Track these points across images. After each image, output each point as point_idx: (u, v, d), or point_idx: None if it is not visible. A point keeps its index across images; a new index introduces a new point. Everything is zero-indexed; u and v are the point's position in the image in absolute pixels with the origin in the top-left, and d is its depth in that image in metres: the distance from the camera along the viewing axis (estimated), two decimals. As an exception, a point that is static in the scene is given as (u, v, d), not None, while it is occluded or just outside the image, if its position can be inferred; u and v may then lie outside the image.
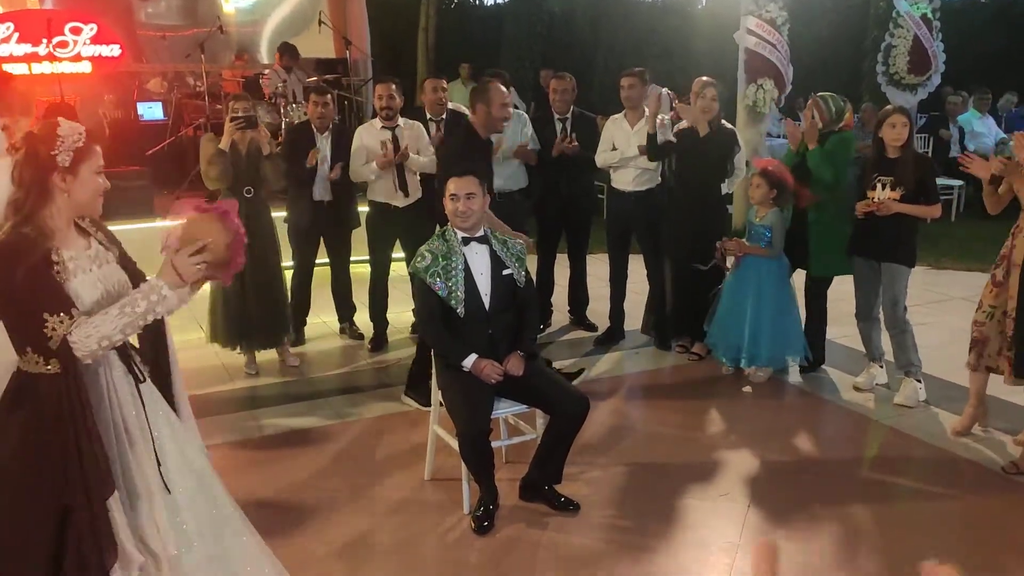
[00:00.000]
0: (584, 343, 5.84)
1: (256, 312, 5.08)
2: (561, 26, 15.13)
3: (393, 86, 5.47)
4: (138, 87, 10.68)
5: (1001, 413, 4.31)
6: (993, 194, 3.97)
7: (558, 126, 5.75)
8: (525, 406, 3.55)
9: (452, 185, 3.53)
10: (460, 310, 3.47)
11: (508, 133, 5.60)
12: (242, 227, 2.34)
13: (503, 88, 4.82)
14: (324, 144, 5.50)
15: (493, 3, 16.60)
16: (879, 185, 4.43)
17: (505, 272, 3.55)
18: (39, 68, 9.39)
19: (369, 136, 5.48)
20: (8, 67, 9.29)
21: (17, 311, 2.11)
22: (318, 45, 10.61)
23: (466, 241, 3.56)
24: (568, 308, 6.23)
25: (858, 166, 4.95)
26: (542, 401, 3.48)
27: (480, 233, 3.59)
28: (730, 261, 5.12)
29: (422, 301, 3.57)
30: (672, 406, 4.70)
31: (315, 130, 5.52)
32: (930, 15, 10.44)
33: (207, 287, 5.05)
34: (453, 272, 3.49)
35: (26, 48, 9.39)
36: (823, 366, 5.15)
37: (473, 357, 3.41)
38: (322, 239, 5.74)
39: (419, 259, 3.53)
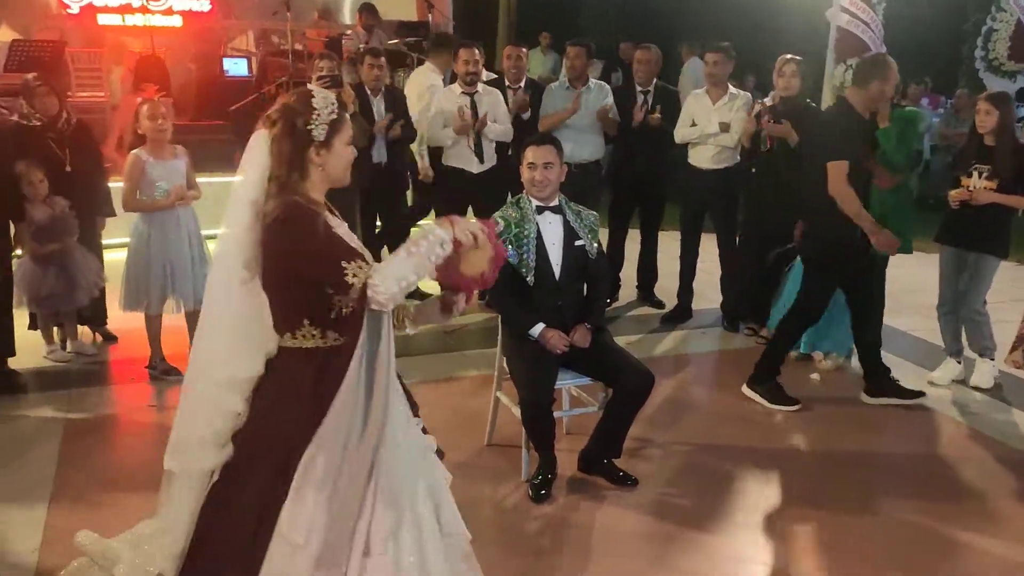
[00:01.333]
0: (651, 320, 5.79)
1: None
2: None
3: (476, 51, 5.47)
4: (225, 43, 10.90)
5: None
6: None
7: (639, 98, 5.67)
8: (588, 378, 3.54)
9: (530, 153, 3.51)
10: (530, 279, 3.47)
11: (590, 102, 5.55)
12: (505, 253, 2.34)
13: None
14: (378, 105, 5.54)
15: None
16: (975, 173, 4.26)
17: (577, 243, 3.53)
18: (132, 20, 9.65)
19: (448, 100, 5.50)
20: (103, 18, 9.66)
21: (318, 266, 2.07)
22: (401, 7, 10.64)
23: (540, 210, 3.55)
24: (636, 284, 6.18)
25: (949, 153, 4.79)
26: (606, 374, 3.47)
27: (555, 203, 3.58)
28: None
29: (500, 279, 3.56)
30: (736, 388, 4.63)
31: (368, 92, 5.54)
32: (1038, -2, 9.90)
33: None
34: (525, 240, 3.49)
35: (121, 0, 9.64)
36: (885, 353, 5.00)
37: (540, 326, 3.42)
38: (378, 200, 5.75)
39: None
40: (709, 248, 5.70)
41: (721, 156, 5.38)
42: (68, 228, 4.57)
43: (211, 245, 6.22)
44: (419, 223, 6.35)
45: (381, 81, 5.62)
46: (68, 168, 4.65)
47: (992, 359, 4.58)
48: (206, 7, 10.07)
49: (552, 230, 3.54)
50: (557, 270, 3.51)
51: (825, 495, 3.54)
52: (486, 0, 14.01)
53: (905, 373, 4.77)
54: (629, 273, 6.16)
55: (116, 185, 4.77)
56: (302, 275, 2.09)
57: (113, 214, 5.00)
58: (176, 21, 10.01)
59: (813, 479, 3.68)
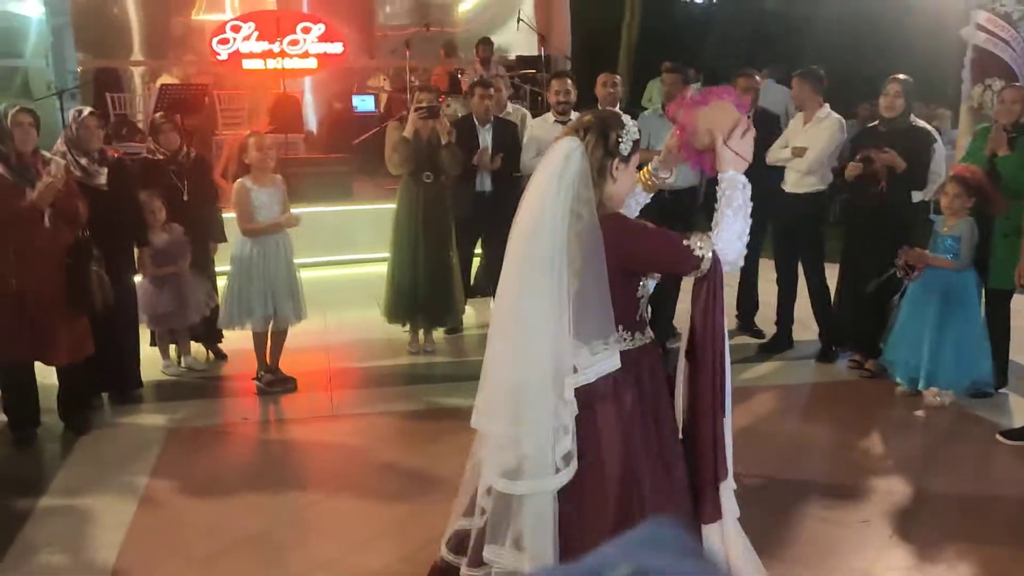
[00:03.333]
0: (748, 349, 5.61)
1: (425, 293, 5.33)
2: (773, 23, 14.49)
3: (569, 81, 5.55)
4: (359, 82, 11.56)
5: None
6: None
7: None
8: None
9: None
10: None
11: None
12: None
13: None
14: (485, 136, 5.69)
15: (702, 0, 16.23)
16: None
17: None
18: (273, 63, 10.40)
19: (541, 129, 5.60)
20: (247, 63, 10.47)
21: (663, 250, 2.22)
22: (520, 42, 10.93)
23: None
24: (736, 313, 5.99)
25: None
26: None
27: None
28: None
29: None
30: (828, 422, 4.41)
31: (477, 122, 5.71)
32: None
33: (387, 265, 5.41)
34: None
35: (263, 45, 10.43)
36: (1004, 390, 4.61)
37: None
38: (483, 231, 5.91)
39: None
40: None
41: (806, 181, 5.19)
42: (183, 252, 4.98)
43: (321, 271, 6.75)
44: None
45: (491, 112, 5.79)
46: (185, 197, 5.07)
47: None
48: (339, 49, 10.72)
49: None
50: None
51: (906, 538, 3.30)
52: (607, 33, 14.09)
53: (1013, 407, 4.39)
54: (729, 302, 5.97)
55: (228, 216, 5.14)
56: (642, 266, 2.25)
57: (224, 239, 5.39)
58: (311, 63, 10.72)
59: (894, 520, 3.44)
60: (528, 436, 2.13)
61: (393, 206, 5.49)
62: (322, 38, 10.67)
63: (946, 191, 4.59)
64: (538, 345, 2.14)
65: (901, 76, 4.82)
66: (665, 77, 5.64)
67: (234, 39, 10.37)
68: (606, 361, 2.17)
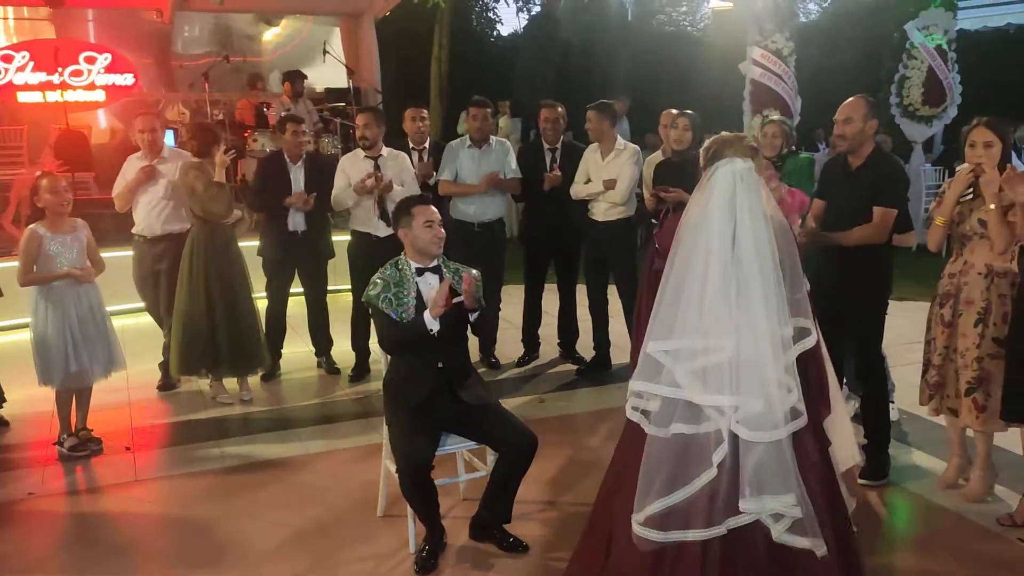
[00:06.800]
0: (569, 375, 5.73)
1: (225, 340, 5.05)
2: (576, 56, 15.18)
3: (371, 116, 5.45)
4: (157, 115, 10.84)
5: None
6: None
7: (547, 156, 5.69)
8: (474, 442, 3.44)
9: (426, 213, 3.48)
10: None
11: (491, 162, 5.56)
12: None
13: None
14: (298, 174, 5.48)
15: (510, 32, 16.70)
16: None
17: (456, 300, 3.45)
18: (53, 96, 9.57)
19: (352, 165, 5.47)
20: (23, 95, 9.58)
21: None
22: (329, 74, 10.72)
23: (420, 272, 3.50)
24: (558, 341, 6.11)
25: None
26: (488, 437, 3.38)
27: (435, 263, 3.53)
28: None
29: (382, 325, 3.48)
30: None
31: (287, 160, 5.50)
32: (945, 46, 10.28)
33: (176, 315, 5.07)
34: (404, 300, 3.42)
35: (41, 76, 9.59)
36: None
37: (426, 313, 3.35)
38: (297, 270, 5.69)
39: (371, 287, 3.47)
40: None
41: (615, 209, 5.41)
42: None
43: (121, 320, 6.19)
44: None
45: (302, 148, 5.56)
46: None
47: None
48: (129, 81, 10.05)
49: (432, 291, 3.47)
50: (437, 330, 3.43)
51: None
52: (418, 65, 14.19)
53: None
54: (549, 332, 6.10)
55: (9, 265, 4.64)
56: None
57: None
58: (99, 96, 9.97)
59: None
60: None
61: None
62: (109, 68, 9.98)
63: None
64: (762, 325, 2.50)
65: (688, 111, 5.14)
66: (472, 111, 5.67)
67: (6, 70, 9.46)
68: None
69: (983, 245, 3.63)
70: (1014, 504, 3.62)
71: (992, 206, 3.50)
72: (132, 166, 5.34)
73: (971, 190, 3.65)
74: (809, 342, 2.59)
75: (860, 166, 3.92)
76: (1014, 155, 10.57)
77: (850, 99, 3.94)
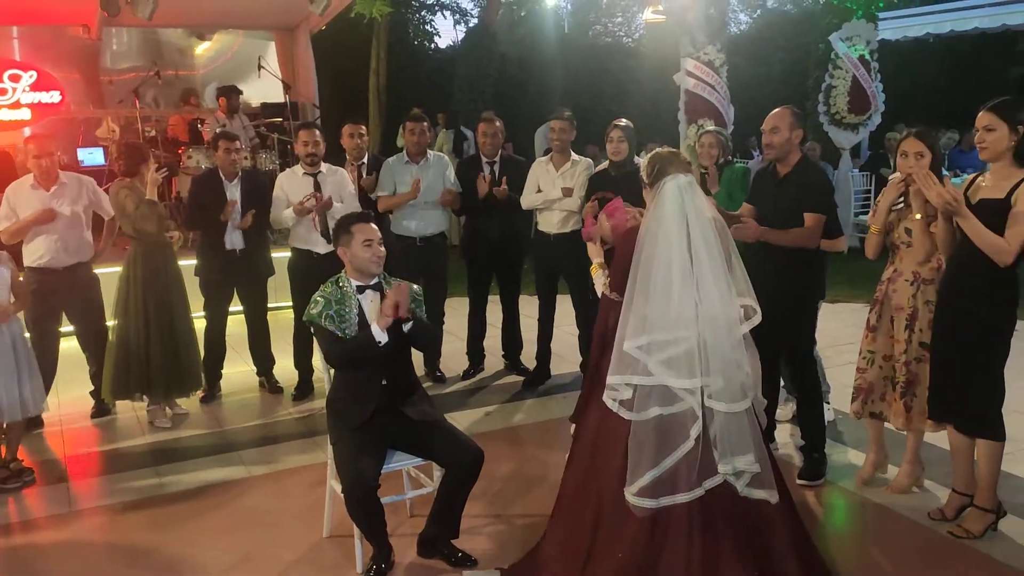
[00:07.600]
0: (515, 387, 5.75)
1: (159, 361, 4.95)
2: (514, 67, 15.27)
3: (317, 132, 5.41)
4: (83, 133, 10.56)
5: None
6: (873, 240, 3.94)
7: (486, 169, 5.71)
8: (420, 458, 3.43)
9: (366, 231, 3.47)
10: (353, 359, 3.39)
11: (430, 177, 5.57)
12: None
13: None
14: (234, 191, 5.40)
15: (447, 45, 16.74)
16: None
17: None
18: (-24, 115, 9.24)
19: (290, 183, 5.41)
20: (-57, 115, 9.21)
21: None
22: (265, 89, 10.57)
23: (361, 289, 3.49)
24: (502, 353, 6.13)
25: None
26: (434, 453, 3.38)
27: (375, 281, 3.52)
28: None
29: (327, 342, 3.45)
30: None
31: (223, 177, 5.41)
32: (867, 56, 10.64)
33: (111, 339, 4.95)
34: (346, 318, 3.41)
35: (-38, 95, 9.25)
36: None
37: (373, 324, 3.34)
38: (236, 289, 5.60)
39: (312, 305, 3.45)
40: (569, 310, 5.73)
41: (568, 220, 5.45)
42: None
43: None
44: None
45: (237, 165, 5.46)
46: None
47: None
48: (56, 99, 9.76)
49: (374, 307, 3.47)
50: (385, 341, 3.41)
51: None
52: (355, 79, 14.09)
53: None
54: (494, 343, 6.12)
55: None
56: None
57: None
58: (24, 114, 9.66)
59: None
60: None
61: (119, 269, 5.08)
62: (35, 86, 9.65)
63: None
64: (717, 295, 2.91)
65: (623, 122, 5.21)
66: (409, 125, 5.65)
67: (-79, 88, 9.12)
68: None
69: (910, 253, 3.77)
70: (944, 498, 3.76)
71: (918, 216, 3.64)
72: (25, 197, 4.89)
73: (902, 199, 3.79)
74: (756, 319, 2.99)
75: (788, 173, 4.04)
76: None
77: (776, 110, 4.06)
